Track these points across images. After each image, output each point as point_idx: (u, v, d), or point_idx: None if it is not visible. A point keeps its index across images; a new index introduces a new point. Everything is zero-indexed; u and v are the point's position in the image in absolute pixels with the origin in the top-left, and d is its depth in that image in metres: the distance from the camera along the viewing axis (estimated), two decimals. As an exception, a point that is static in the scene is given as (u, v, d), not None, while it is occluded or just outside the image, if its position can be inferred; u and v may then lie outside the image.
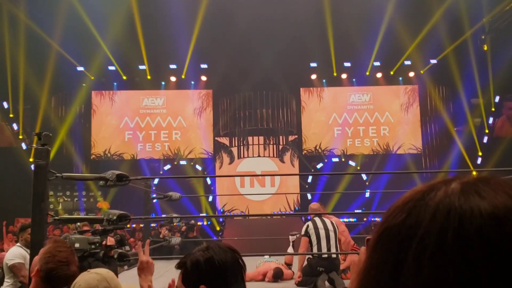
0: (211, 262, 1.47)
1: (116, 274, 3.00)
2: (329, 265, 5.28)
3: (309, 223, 5.53)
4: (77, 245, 3.62)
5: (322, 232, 5.37)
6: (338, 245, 5.37)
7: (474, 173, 11.45)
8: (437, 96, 16.80)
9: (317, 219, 5.51)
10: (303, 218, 14.75)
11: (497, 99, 16.50)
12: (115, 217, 4.19)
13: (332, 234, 5.37)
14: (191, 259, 1.52)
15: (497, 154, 14.76)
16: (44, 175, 3.82)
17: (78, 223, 4.32)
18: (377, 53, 15.77)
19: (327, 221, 5.53)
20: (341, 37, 15.21)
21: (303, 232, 5.47)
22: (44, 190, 3.82)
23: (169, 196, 7.75)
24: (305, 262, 5.28)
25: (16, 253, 5.14)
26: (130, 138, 16.57)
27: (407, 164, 15.98)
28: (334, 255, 5.25)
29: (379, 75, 16.68)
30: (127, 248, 4.58)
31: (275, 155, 15.98)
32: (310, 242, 5.42)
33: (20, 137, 15.64)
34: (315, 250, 5.31)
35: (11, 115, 15.74)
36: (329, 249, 5.29)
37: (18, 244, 5.53)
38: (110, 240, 4.08)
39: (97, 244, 3.78)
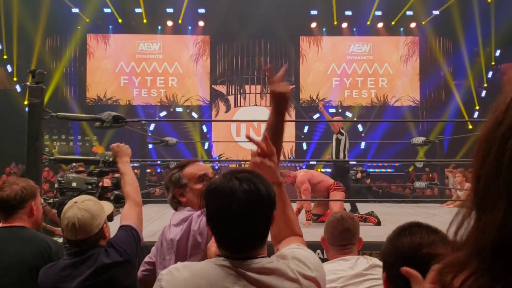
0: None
1: (112, 215, 2.98)
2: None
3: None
4: (74, 184, 3.56)
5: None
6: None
7: (470, 125, 11.46)
8: (437, 49, 16.57)
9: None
10: (297, 167, 14.81)
11: (498, 52, 16.30)
12: (111, 159, 4.14)
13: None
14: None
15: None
16: (39, 113, 3.74)
17: (74, 164, 4.27)
18: (379, 2, 15.40)
19: None
20: (342, -16, 14.85)
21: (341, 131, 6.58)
22: (39, 129, 3.75)
23: (165, 141, 7.73)
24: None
25: None
26: (126, 83, 16.38)
27: (404, 116, 15.94)
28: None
29: (380, 25, 16.36)
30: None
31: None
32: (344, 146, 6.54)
33: (15, 79, 15.41)
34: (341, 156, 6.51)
35: (5, 57, 15.46)
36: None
37: None
38: (107, 182, 4.04)
39: (94, 185, 3.73)
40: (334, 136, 6.56)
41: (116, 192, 4.23)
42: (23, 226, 2.43)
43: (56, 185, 3.69)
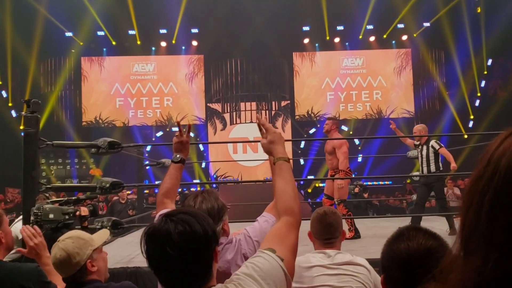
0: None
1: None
2: None
3: None
4: (51, 216, 3.49)
5: None
6: None
7: (466, 137, 11.45)
8: (430, 60, 16.70)
9: None
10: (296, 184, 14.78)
11: (489, 62, 16.43)
12: (108, 185, 4.15)
13: None
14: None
15: (489, 118, 14.79)
16: (34, 143, 3.76)
17: (47, 193, 4.20)
18: (370, 16, 15.54)
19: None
20: (333, 0, 14.98)
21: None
22: (35, 158, 3.77)
23: (162, 163, 7.73)
24: None
25: None
26: (121, 104, 16.42)
27: (400, 128, 15.86)
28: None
29: (372, 38, 16.50)
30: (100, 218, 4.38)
31: (267, 121, 15.87)
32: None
33: (10, 104, 15.42)
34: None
35: (-1, 82, 15.52)
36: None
37: None
38: (84, 211, 3.99)
39: (71, 215, 3.65)
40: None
41: (114, 218, 4.22)
42: None
43: (32, 218, 3.52)
